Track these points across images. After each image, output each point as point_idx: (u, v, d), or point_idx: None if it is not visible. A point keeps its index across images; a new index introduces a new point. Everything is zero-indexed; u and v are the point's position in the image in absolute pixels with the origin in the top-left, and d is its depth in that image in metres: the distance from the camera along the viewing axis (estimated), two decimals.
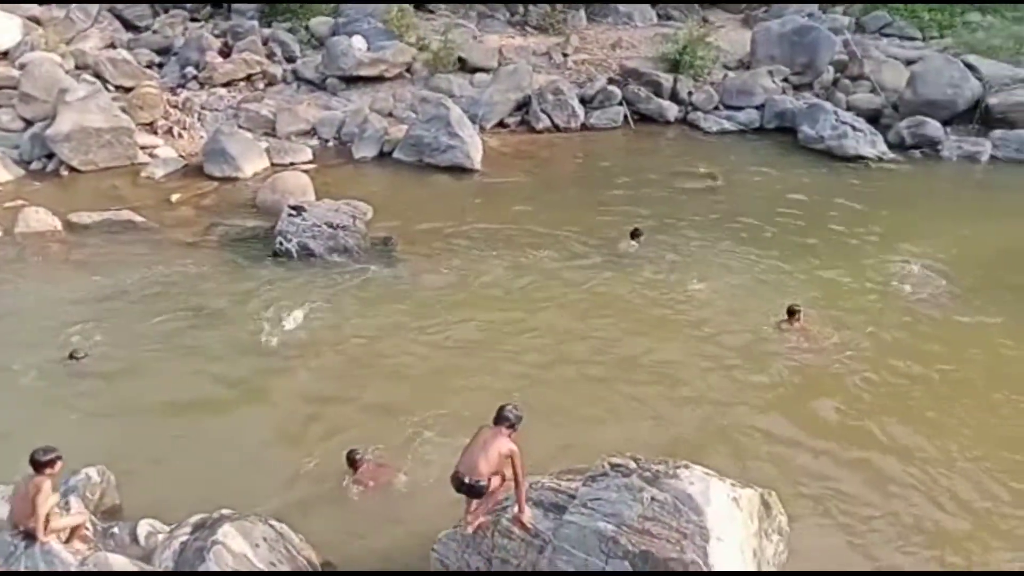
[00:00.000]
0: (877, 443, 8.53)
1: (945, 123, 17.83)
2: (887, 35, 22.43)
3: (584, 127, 18.65)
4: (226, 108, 17.97)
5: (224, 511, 6.80)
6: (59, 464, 6.16)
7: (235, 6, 21.11)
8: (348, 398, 9.22)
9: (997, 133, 17.45)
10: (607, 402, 9.16)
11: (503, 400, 6.63)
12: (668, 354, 10.11)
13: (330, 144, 17.50)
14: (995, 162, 16.96)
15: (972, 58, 19.08)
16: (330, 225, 12.83)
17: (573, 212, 14.22)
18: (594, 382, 9.54)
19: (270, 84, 18.96)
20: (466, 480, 6.15)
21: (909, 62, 19.82)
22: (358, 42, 19.07)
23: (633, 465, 6.41)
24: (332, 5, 21.02)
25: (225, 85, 18.59)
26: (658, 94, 19.19)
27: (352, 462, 7.96)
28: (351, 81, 18.88)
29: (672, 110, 19.09)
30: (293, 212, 12.92)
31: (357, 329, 10.55)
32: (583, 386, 9.44)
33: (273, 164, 16.21)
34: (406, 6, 20.30)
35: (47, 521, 6.06)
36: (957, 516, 7.65)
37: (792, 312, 10.52)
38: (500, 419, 6.30)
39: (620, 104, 19.04)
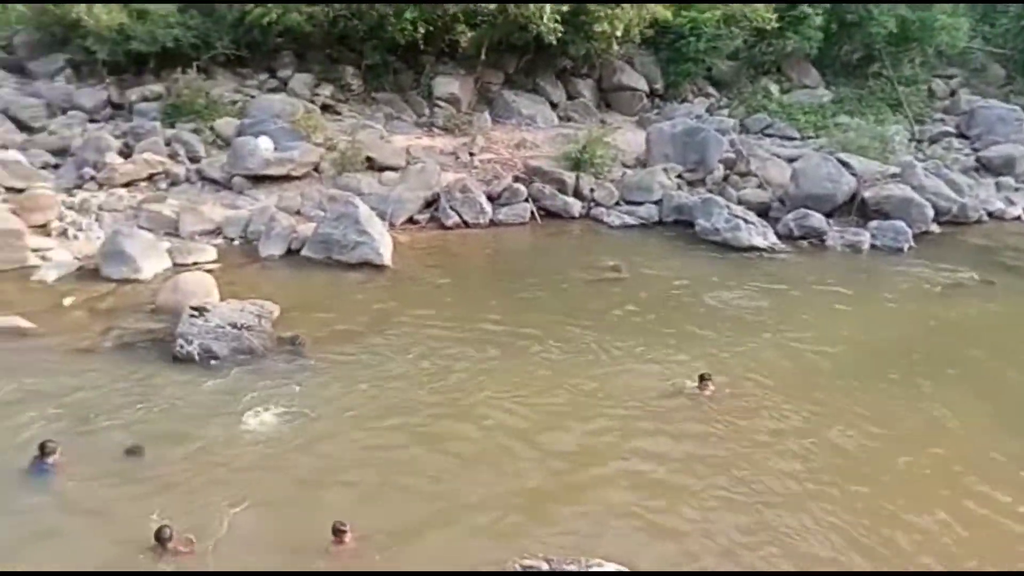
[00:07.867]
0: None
1: (828, 215, 19.20)
2: (769, 135, 24.35)
3: (493, 223, 19.08)
4: (126, 208, 17.50)
5: None
6: None
7: (137, 107, 20.94)
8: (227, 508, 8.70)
9: (874, 223, 18.89)
10: (519, 496, 9.05)
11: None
12: (588, 439, 10.16)
13: (236, 243, 17.22)
14: (875, 250, 18.31)
15: (845, 156, 20.77)
16: (234, 326, 12.47)
17: (483, 307, 14.33)
18: (499, 479, 9.41)
19: (173, 184, 18.66)
20: None
21: (791, 159, 21.45)
22: (265, 142, 19.12)
23: (545, 567, 6.33)
24: (237, 107, 21.17)
25: (125, 186, 18.18)
26: (562, 191, 19.96)
27: (337, 532, 8.06)
28: (258, 180, 18.81)
29: (576, 206, 19.84)
30: (195, 313, 12.52)
31: (251, 437, 10.12)
32: (490, 484, 9.30)
33: (176, 264, 15.75)
34: (313, 108, 20.61)
35: None
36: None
37: (702, 378, 11.37)
38: None
39: (526, 200, 19.67)
